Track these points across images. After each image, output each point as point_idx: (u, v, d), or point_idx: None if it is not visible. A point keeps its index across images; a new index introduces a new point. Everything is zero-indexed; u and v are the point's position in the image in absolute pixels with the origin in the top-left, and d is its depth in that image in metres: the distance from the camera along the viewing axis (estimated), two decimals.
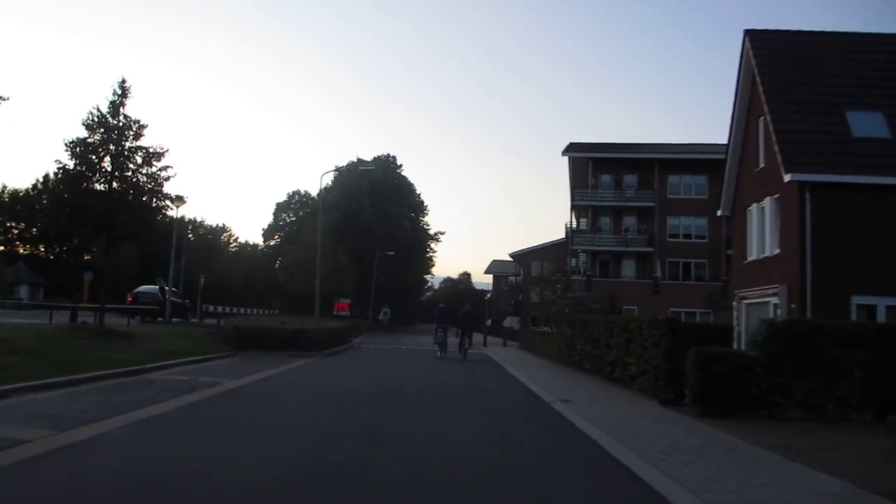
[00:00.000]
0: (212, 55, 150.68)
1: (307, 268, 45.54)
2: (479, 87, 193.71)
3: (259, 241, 77.05)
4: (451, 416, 9.81)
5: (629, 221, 41.99)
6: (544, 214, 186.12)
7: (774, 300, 15.86)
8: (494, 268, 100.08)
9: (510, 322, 73.20)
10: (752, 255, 18.12)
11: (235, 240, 78.81)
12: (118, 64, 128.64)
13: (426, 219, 66.28)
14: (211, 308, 44.15)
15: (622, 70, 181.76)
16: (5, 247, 58.81)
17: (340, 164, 55.47)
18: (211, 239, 70.44)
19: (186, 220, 70.13)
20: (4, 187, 61.22)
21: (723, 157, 20.64)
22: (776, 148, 15.95)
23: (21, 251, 59.42)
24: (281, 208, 73.09)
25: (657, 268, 39.22)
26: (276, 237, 73.08)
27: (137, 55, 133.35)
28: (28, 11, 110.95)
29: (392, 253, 48.97)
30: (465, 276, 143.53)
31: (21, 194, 60.60)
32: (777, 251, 16.37)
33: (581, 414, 9.63)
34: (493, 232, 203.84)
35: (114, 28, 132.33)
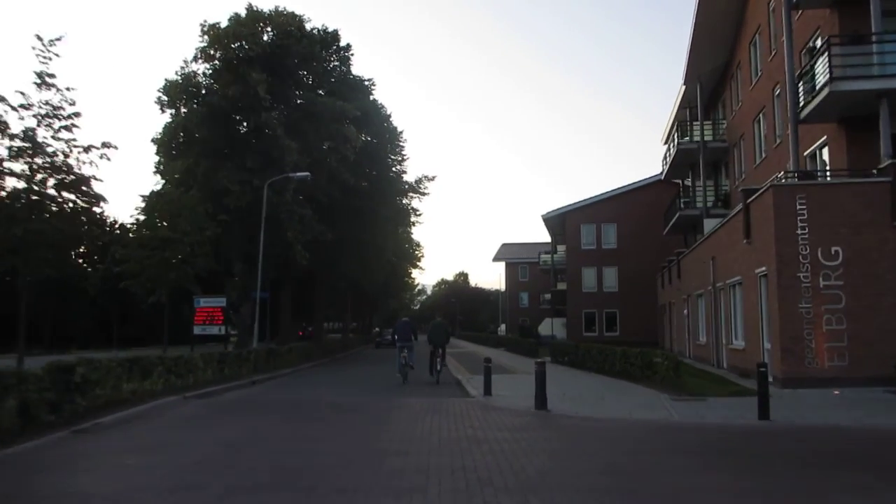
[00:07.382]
0: None
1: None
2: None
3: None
4: None
5: None
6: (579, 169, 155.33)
7: None
8: (506, 253, 71.96)
9: (548, 327, 45.28)
10: None
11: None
12: None
13: (405, 163, 36.18)
14: None
15: None
16: None
17: (215, 20, 27.64)
18: None
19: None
20: None
21: None
22: None
23: None
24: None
25: None
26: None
27: None
28: None
29: (307, 175, 20.40)
30: (462, 277, 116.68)
31: None
32: None
33: None
34: (490, 217, 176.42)
35: None
